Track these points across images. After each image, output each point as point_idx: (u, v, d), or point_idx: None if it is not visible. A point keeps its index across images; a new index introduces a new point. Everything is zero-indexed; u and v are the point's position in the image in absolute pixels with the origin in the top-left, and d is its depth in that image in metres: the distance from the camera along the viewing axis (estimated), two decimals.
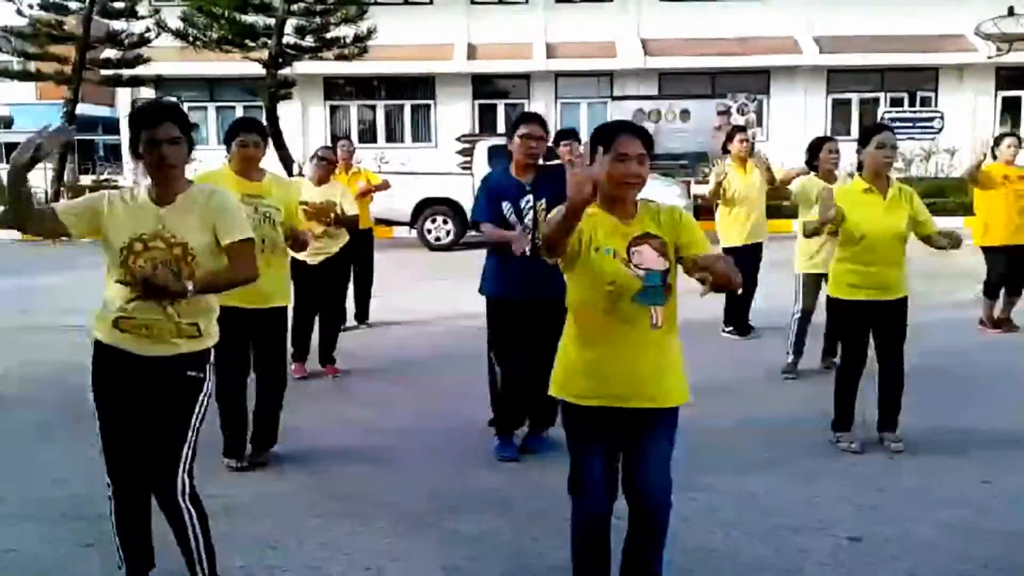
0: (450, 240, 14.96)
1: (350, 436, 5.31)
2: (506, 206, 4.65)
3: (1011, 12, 19.79)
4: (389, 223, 15.69)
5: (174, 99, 3.27)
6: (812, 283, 6.44)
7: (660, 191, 13.28)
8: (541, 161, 4.78)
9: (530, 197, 4.63)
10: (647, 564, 3.04)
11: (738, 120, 17.84)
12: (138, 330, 3.01)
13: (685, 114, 18.90)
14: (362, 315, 8.36)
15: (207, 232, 3.06)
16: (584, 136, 5.20)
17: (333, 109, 23.05)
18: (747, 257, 7.32)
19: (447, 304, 9.34)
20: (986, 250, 7.80)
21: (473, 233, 14.78)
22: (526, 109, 22.33)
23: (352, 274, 7.66)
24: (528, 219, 4.63)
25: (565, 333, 3.01)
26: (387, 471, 4.71)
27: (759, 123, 20.88)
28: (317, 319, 6.73)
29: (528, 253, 4.48)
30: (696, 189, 17.23)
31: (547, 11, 22.22)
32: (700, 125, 18.73)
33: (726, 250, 7.48)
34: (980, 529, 3.86)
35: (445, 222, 15.01)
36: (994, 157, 7.83)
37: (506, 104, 22.77)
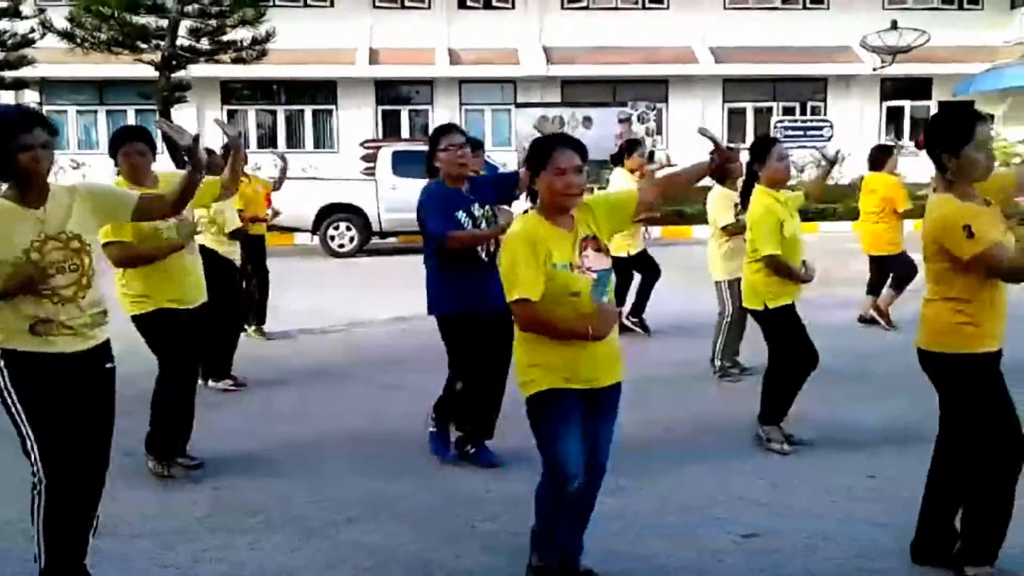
0: (354, 247, 14.72)
1: (250, 447, 5.15)
2: (461, 216, 4.52)
3: (894, 25, 20.76)
4: (290, 230, 15.38)
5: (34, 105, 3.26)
6: (735, 288, 6.56)
7: None
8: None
9: (477, 204, 4.58)
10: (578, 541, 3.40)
11: (638, 128, 18.19)
12: (58, 330, 3.11)
13: (587, 121, 19.16)
14: (260, 323, 8.14)
15: (91, 220, 3.27)
16: (488, 145, 5.22)
17: (231, 113, 22.47)
18: (641, 263, 7.82)
19: (351, 312, 9.21)
20: (871, 259, 8.29)
21: (388, 240, 14.75)
22: (430, 115, 22.30)
23: (250, 282, 7.47)
24: (483, 227, 4.58)
25: (528, 335, 3.14)
26: (288, 482, 4.58)
27: (659, 131, 21.32)
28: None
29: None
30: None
31: (450, 17, 22.21)
32: (602, 132, 19.00)
33: (617, 259, 7.65)
34: (873, 522, 3.99)
35: (348, 229, 14.77)
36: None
37: (410, 110, 22.65)
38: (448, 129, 4.71)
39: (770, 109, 22.79)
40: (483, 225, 4.56)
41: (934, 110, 22.73)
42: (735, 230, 6.20)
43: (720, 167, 3.40)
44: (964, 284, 3.25)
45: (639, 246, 7.86)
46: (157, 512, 4.17)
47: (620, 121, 19.67)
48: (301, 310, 9.16)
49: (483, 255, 4.54)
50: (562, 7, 22.63)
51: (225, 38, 17.46)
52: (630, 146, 8.16)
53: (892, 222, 7.97)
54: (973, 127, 3.25)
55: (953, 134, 3.27)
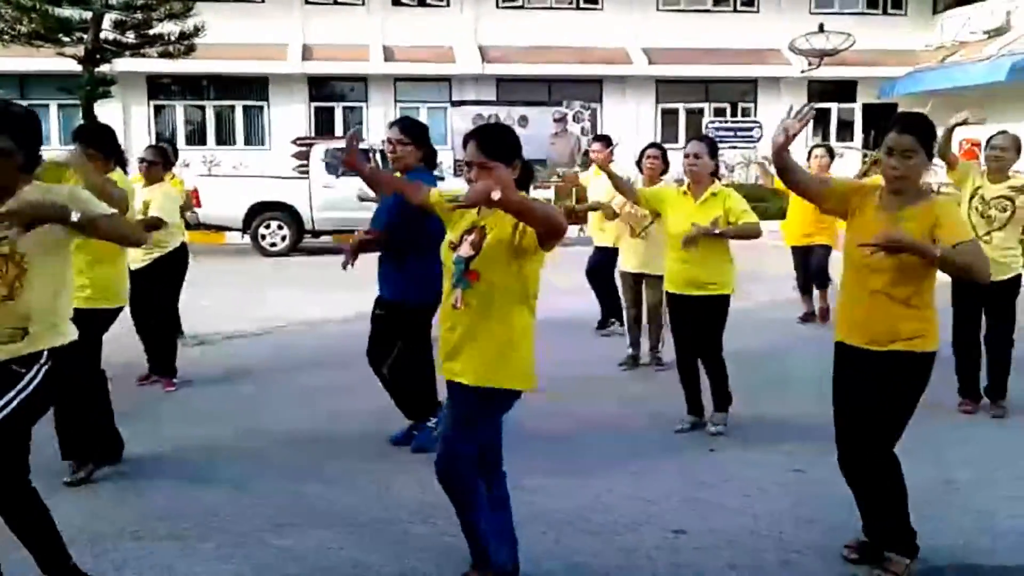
0: (286, 246, 14.50)
1: (176, 452, 5.02)
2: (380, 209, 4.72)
3: (821, 29, 21.24)
4: (220, 228, 15.10)
5: None
6: (630, 281, 6.86)
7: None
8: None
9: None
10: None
11: (573, 128, 18.32)
12: None
13: (523, 120, 19.22)
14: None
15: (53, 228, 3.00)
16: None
17: (158, 109, 21.96)
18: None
19: (281, 313, 9.06)
20: (793, 250, 8.55)
21: (321, 239, 14.56)
22: (364, 112, 22.11)
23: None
24: None
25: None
26: (217, 488, 4.48)
27: (593, 130, 21.48)
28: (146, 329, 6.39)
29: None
30: (533, 194, 17.51)
31: (384, 14, 22.03)
32: (538, 131, 19.10)
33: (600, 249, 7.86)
34: (798, 516, 4.07)
35: (280, 227, 14.54)
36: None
37: (344, 107, 22.41)
38: (393, 124, 4.85)
39: (702, 110, 23.14)
40: None
41: (859, 112, 23.37)
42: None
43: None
44: (911, 281, 3.30)
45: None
46: (82, 521, 4.04)
47: (555, 120, 19.79)
48: (229, 310, 9.00)
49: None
50: (497, 6, 22.64)
51: (151, 32, 17.01)
52: (594, 141, 8.21)
53: (808, 216, 8.17)
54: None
55: (933, 137, 3.38)
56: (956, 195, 5.67)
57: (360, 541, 3.86)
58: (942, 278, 3.36)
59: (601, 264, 7.80)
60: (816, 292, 8.52)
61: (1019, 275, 5.66)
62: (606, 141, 7.86)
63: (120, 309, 4.81)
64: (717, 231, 5.05)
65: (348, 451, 4.86)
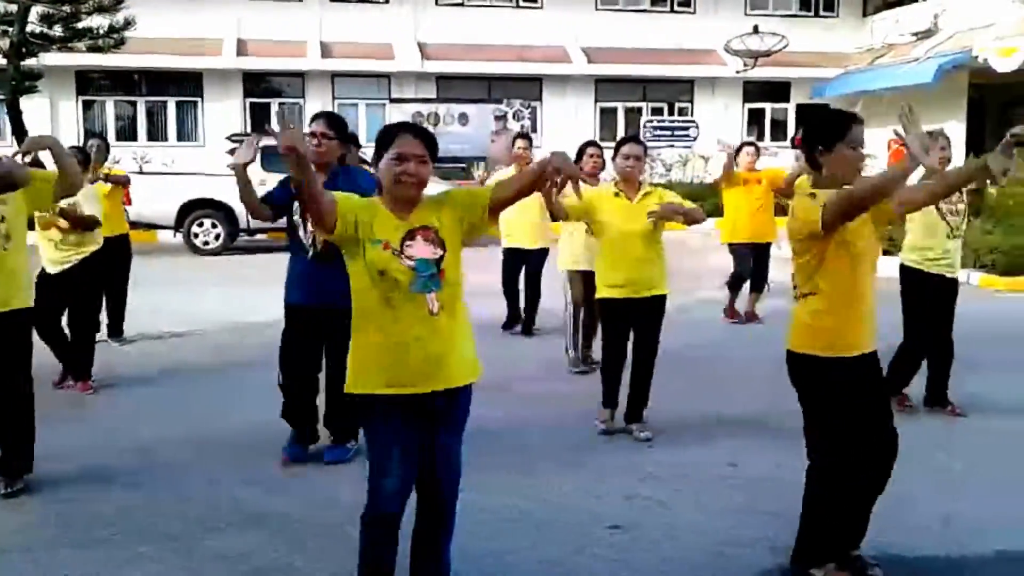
0: (220, 245, 14.22)
1: (107, 456, 4.88)
2: (297, 206, 4.49)
3: (756, 30, 21.62)
4: (152, 227, 14.74)
5: None
6: (578, 279, 6.73)
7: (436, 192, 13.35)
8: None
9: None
10: (440, 553, 3.17)
11: (514, 126, 18.33)
12: None
13: (463, 118, 19.20)
14: (115, 330, 7.67)
15: None
16: (362, 140, 5.17)
17: (87, 104, 21.36)
18: (539, 259, 7.79)
19: (213, 313, 8.89)
20: (732, 247, 8.57)
21: (256, 237, 14.28)
22: (302, 109, 21.82)
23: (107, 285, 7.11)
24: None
25: (354, 327, 3.01)
26: (144, 492, 4.38)
27: (533, 129, 21.55)
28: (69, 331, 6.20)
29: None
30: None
31: (322, 9, 21.77)
32: (478, 129, 19.09)
33: (510, 250, 7.81)
34: (731, 510, 4.13)
35: (214, 226, 14.25)
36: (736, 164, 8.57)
37: (280, 103, 22.03)
38: (316, 117, 4.71)
39: (640, 109, 23.35)
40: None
41: (792, 112, 23.85)
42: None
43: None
44: (825, 280, 3.26)
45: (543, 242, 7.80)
46: (15, 530, 3.91)
47: (496, 118, 19.79)
48: (161, 311, 8.79)
49: (308, 250, 4.55)
50: (436, 3, 22.53)
51: (80, 25, 16.55)
52: (514, 139, 8.15)
53: (766, 214, 8.30)
54: (849, 125, 3.32)
55: (829, 130, 3.33)
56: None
57: (295, 543, 3.80)
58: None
59: (518, 267, 7.86)
60: (750, 294, 8.59)
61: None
62: (528, 139, 7.88)
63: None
64: (683, 210, 5.05)
65: (275, 453, 4.77)
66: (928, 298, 5.55)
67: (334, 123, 4.68)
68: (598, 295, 5.25)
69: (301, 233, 4.58)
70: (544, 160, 2.96)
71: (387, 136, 2.98)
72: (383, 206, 2.97)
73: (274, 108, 21.80)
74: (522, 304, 8.02)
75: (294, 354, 4.74)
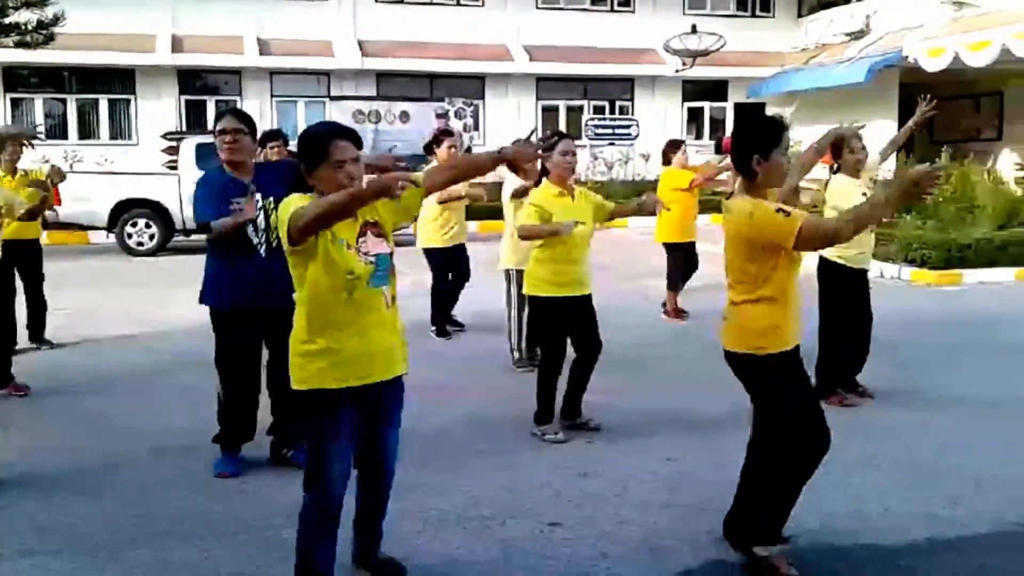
0: (154, 245, 13.91)
1: (34, 464, 4.71)
2: (237, 204, 4.32)
3: (694, 30, 21.87)
4: (84, 227, 14.37)
5: None
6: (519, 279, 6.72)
7: None
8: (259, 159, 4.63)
9: (259, 196, 4.34)
10: (378, 530, 3.40)
11: (455, 124, 18.27)
12: None
13: (404, 116, 19.04)
14: (35, 335, 7.40)
15: None
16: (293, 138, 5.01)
17: (15, 102, 20.69)
18: (452, 259, 7.66)
19: (147, 315, 8.68)
20: (667, 246, 8.65)
21: (192, 237, 13.96)
22: (239, 106, 21.44)
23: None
24: (260, 220, 4.34)
25: (298, 328, 3.06)
26: (78, 499, 4.24)
27: (476, 127, 21.51)
28: None
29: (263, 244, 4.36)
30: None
31: (260, 6, 21.39)
32: (420, 127, 18.94)
33: (427, 250, 7.67)
34: (669, 504, 4.15)
35: (148, 226, 13.94)
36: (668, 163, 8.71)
37: (217, 100, 21.64)
38: (225, 114, 4.54)
39: (581, 107, 23.45)
40: (261, 216, 4.36)
41: (730, 111, 24.20)
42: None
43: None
44: (773, 284, 3.32)
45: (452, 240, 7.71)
46: None
47: (437, 116, 19.68)
48: (92, 314, 8.55)
49: (260, 249, 4.38)
50: (375, 0, 22.34)
51: (7, 20, 16.01)
52: (437, 138, 8.07)
53: (676, 213, 8.37)
54: (782, 132, 3.39)
55: (765, 137, 3.37)
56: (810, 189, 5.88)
57: (229, 548, 3.72)
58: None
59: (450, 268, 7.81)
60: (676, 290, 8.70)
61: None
62: (452, 135, 7.88)
63: None
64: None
65: (211, 458, 4.65)
66: (847, 292, 5.72)
67: (245, 119, 4.53)
68: (540, 294, 5.14)
69: (251, 232, 4.35)
70: (492, 153, 3.18)
71: (319, 144, 3.01)
72: None
73: (210, 105, 21.41)
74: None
75: (237, 360, 4.54)
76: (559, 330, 5.17)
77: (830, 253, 5.69)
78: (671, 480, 4.46)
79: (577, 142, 5.55)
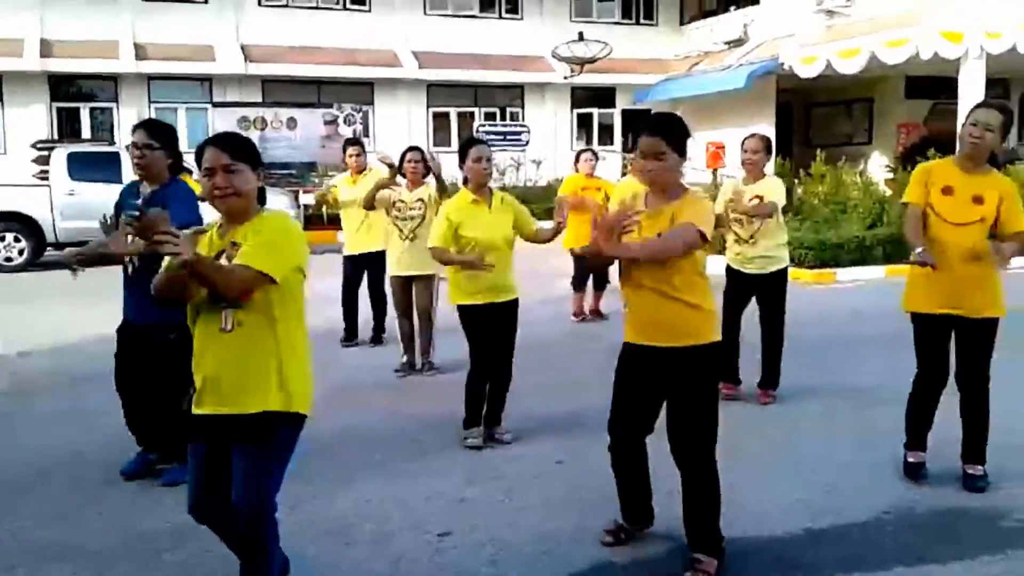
0: (24, 260, 13.22)
1: None
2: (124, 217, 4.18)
3: (581, 37, 22.21)
4: None
5: None
6: (398, 285, 6.80)
7: (268, 201, 12.92)
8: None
9: (138, 203, 4.14)
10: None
11: (346, 131, 18.00)
12: None
13: (292, 122, 18.65)
14: None
15: None
16: (184, 147, 4.84)
17: None
18: (373, 264, 7.57)
19: (15, 335, 8.20)
20: (574, 252, 8.66)
21: (54, 253, 13.27)
22: (115, 113, 20.64)
23: None
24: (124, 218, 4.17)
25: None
26: None
27: (366, 133, 21.25)
28: None
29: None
30: (304, 198, 17.05)
31: (135, 9, 20.61)
32: (307, 134, 18.59)
33: (348, 257, 7.68)
34: (555, 507, 4.15)
35: (17, 240, 13.23)
36: (576, 170, 8.83)
37: (91, 107, 20.76)
38: (137, 127, 4.47)
39: (473, 114, 23.49)
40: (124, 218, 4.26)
41: (618, 117, 24.65)
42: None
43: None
44: (704, 284, 3.45)
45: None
46: None
47: (326, 123, 19.36)
48: None
49: (128, 268, 4.34)
50: (259, 4, 21.81)
51: None
52: (346, 145, 7.98)
53: (585, 218, 8.47)
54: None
55: (685, 136, 3.53)
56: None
57: (117, 573, 3.55)
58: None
59: (358, 276, 7.72)
60: (595, 293, 8.93)
61: (786, 268, 6.01)
62: (360, 145, 7.80)
63: None
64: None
65: (76, 483, 4.43)
66: (732, 290, 5.97)
67: (156, 132, 4.40)
68: (457, 301, 5.06)
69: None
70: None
71: (198, 156, 2.92)
72: (216, 225, 2.99)
73: (84, 113, 20.49)
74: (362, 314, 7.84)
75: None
76: (478, 336, 5.06)
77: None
78: (560, 482, 4.47)
79: None
